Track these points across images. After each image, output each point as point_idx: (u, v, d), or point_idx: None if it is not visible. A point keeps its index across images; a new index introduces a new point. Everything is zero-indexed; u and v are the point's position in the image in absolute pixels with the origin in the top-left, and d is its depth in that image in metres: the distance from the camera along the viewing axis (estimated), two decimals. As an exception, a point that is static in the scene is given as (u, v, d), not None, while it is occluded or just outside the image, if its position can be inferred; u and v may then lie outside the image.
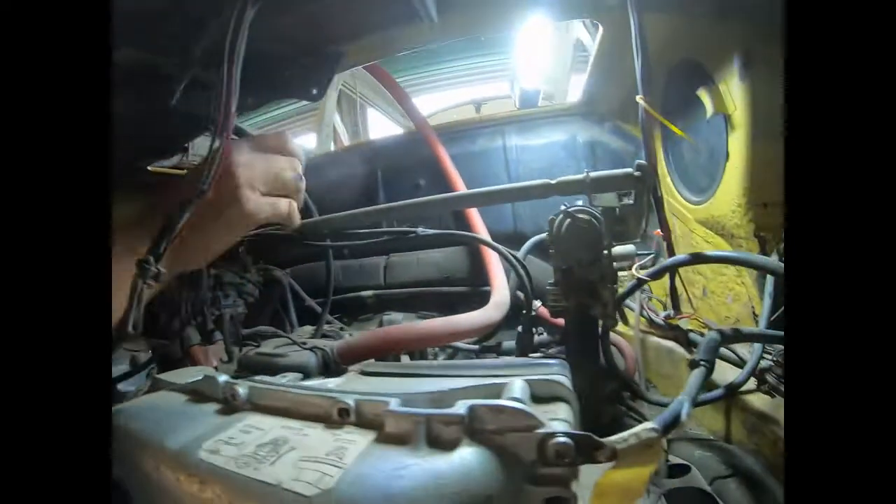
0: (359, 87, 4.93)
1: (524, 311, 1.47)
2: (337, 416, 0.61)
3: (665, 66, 1.75)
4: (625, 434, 0.52)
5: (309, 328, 1.71)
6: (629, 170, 1.09)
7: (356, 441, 0.55)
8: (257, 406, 0.71)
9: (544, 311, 1.52)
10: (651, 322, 1.64)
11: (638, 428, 0.53)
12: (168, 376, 0.94)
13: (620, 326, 1.87)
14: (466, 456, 0.50)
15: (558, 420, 0.56)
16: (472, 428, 0.52)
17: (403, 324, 1.45)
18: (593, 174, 1.11)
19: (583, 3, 1.43)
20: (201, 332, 1.71)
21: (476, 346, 1.64)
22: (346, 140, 4.85)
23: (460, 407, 0.53)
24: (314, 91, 1.31)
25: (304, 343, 1.13)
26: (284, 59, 1.28)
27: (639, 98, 1.19)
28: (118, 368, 1.43)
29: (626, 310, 1.81)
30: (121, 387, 1.34)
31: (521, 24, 1.66)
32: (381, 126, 5.30)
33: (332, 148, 3.94)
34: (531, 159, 2.06)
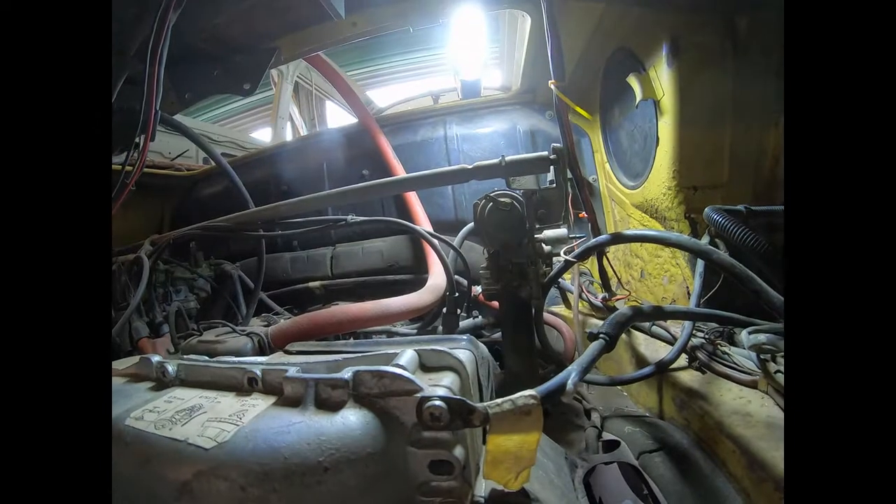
0: (315, 79, 4.93)
1: (447, 293, 1.53)
2: (247, 385, 0.67)
3: (602, 55, 1.80)
4: (499, 400, 0.57)
5: (257, 319, 1.72)
6: (544, 153, 1.14)
7: (258, 405, 0.62)
8: (184, 381, 0.78)
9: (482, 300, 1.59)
10: (591, 304, 1.70)
11: (516, 395, 0.57)
12: (114, 363, 0.99)
13: (561, 309, 1.95)
14: (349, 416, 0.55)
15: (440, 386, 0.60)
16: (358, 392, 0.58)
17: (333, 307, 1.49)
18: (509, 158, 1.17)
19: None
20: (150, 325, 1.76)
21: (414, 331, 1.69)
22: (304, 132, 4.86)
23: (345, 372, 0.58)
24: (247, 86, 1.35)
25: (243, 330, 1.17)
26: (217, 57, 1.32)
27: (551, 83, 1.25)
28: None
29: (567, 293, 1.89)
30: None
31: (445, 16, 1.70)
32: (340, 118, 5.30)
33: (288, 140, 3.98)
34: (472, 148, 2.12)
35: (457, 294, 1.51)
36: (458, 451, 0.56)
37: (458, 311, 1.52)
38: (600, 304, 1.59)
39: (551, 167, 1.13)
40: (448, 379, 0.62)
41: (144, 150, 1.01)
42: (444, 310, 1.50)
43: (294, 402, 0.60)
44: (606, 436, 1.20)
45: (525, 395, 0.57)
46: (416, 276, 1.93)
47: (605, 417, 1.27)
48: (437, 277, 1.63)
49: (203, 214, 2.19)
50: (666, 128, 1.42)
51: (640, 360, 1.34)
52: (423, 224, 1.80)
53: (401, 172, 1.95)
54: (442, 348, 0.67)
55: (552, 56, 1.23)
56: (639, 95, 1.45)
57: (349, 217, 1.52)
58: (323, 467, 0.53)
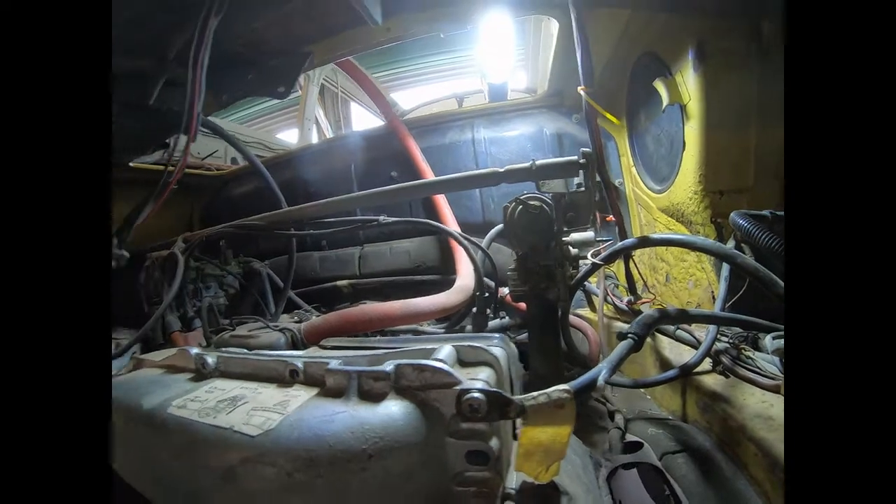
0: (340, 82, 4.99)
1: (477, 294, 1.56)
2: (288, 377, 0.72)
3: (629, 60, 1.82)
4: (534, 393, 0.59)
5: (286, 316, 1.76)
6: (574, 157, 1.16)
7: (300, 395, 0.66)
8: (224, 373, 0.82)
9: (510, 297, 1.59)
10: (616, 308, 1.71)
11: (550, 389, 0.60)
12: (148, 356, 1.03)
13: (586, 312, 1.96)
14: (391, 407, 0.59)
15: (478, 380, 0.62)
16: (399, 385, 0.61)
17: (364, 305, 1.53)
18: (539, 162, 1.19)
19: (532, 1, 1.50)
20: (182, 319, 1.81)
21: (441, 331, 1.71)
22: (329, 134, 4.92)
23: (387, 365, 0.62)
24: (281, 89, 1.40)
25: (276, 325, 1.21)
26: (253, 61, 1.36)
27: (580, 89, 1.28)
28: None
29: (592, 296, 1.90)
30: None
31: (473, 22, 1.72)
32: (365, 120, 5.36)
33: (315, 142, 4.02)
34: (500, 151, 2.13)
35: (486, 294, 1.54)
36: (494, 443, 0.59)
37: (487, 311, 1.55)
38: (625, 308, 1.61)
39: (580, 171, 1.15)
40: (484, 373, 0.65)
41: (186, 150, 1.05)
42: (474, 309, 1.53)
43: (336, 394, 0.64)
44: (629, 437, 1.21)
45: (559, 389, 0.60)
46: (442, 276, 1.97)
47: (629, 419, 1.29)
48: (465, 278, 1.67)
49: (233, 213, 2.22)
50: (692, 132, 1.43)
51: (664, 364, 1.36)
52: (451, 226, 1.83)
53: (429, 175, 1.99)
54: (478, 344, 0.70)
55: (581, 62, 1.26)
56: (665, 100, 1.47)
57: (381, 217, 1.55)
58: (367, 454, 0.57)
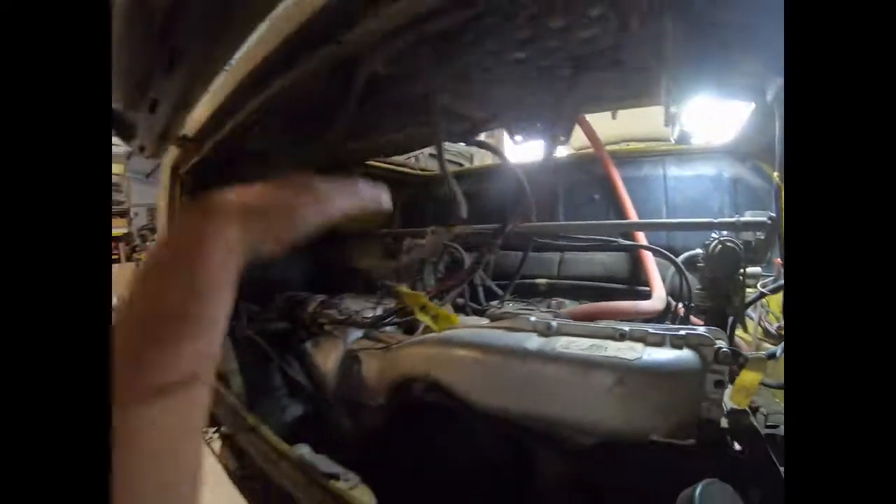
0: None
1: (676, 304, 2.02)
2: (618, 337, 1.17)
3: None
4: (748, 353, 1.07)
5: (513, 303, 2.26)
6: (764, 218, 1.63)
7: (636, 347, 1.13)
8: (563, 333, 1.24)
9: (679, 312, 2.04)
10: (766, 332, 2.06)
11: (753, 354, 1.08)
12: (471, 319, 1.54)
13: (740, 333, 2.23)
14: (688, 352, 1.08)
15: (722, 342, 1.09)
16: (687, 342, 1.10)
17: (602, 303, 2.00)
18: (743, 219, 1.68)
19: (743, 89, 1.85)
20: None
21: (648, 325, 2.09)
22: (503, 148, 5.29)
23: (681, 331, 1.11)
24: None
25: (537, 308, 1.71)
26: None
27: (775, 175, 1.62)
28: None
29: (748, 320, 2.19)
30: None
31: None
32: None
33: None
34: (684, 188, 2.44)
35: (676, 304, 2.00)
36: (726, 378, 1.05)
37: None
38: (774, 332, 1.98)
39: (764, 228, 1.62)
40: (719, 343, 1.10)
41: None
42: (671, 313, 2.00)
43: (656, 345, 1.12)
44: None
45: (759, 355, 1.08)
46: (629, 287, 2.32)
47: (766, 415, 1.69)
48: (658, 291, 2.10)
49: (435, 212, 2.90)
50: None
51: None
52: (659, 248, 2.25)
53: (628, 202, 2.37)
54: (712, 329, 1.16)
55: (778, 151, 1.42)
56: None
57: (618, 240, 2.10)
58: (679, 373, 1.06)
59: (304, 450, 1.15)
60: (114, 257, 16.38)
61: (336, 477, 1.07)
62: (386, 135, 2.08)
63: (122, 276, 15.68)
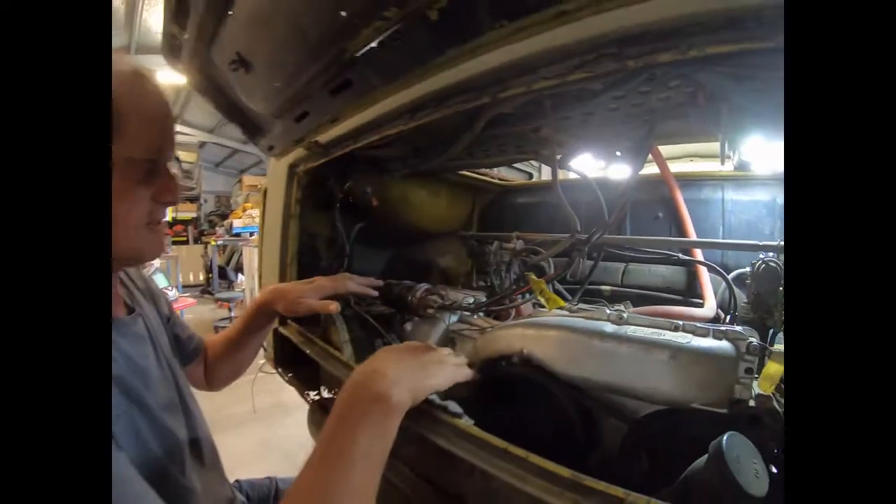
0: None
1: (724, 316, 2.28)
2: (674, 328, 1.43)
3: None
4: (772, 348, 1.29)
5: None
6: None
7: (686, 336, 1.39)
8: (631, 323, 1.50)
9: (725, 321, 2.28)
10: None
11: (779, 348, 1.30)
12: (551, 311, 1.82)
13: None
14: (723, 343, 1.34)
15: (754, 338, 1.32)
16: (726, 335, 1.36)
17: (661, 306, 2.28)
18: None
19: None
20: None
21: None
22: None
23: (723, 328, 1.38)
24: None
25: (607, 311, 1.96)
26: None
27: None
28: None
29: None
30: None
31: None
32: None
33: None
34: (740, 211, 2.60)
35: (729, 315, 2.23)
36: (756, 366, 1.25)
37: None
38: None
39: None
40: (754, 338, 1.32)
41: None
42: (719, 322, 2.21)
43: (702, 336, 1.35)
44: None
45: (781, 349, 1.26)
46: (683, 299, 2.50)
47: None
48: (710, 303, 2.34)
49: (513, 219, 3.22)
50: None
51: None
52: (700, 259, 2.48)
53: (688, 221, 2.55)
54: (742, 329, 1.36)
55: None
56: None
57: (679, 255, 2.42)
58: (718, 357, 1.26)
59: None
60: (182, 239, 17.14)
61: (460, 416, 1.30)
62: (492, 156, 2.40)
63: (190, 256, 16.36)
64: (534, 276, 2.04)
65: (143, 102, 1.08)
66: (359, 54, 1.31)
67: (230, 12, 1.49)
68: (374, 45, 1.25)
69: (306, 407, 2.44)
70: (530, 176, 4.21)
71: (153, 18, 8.51)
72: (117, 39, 9.07)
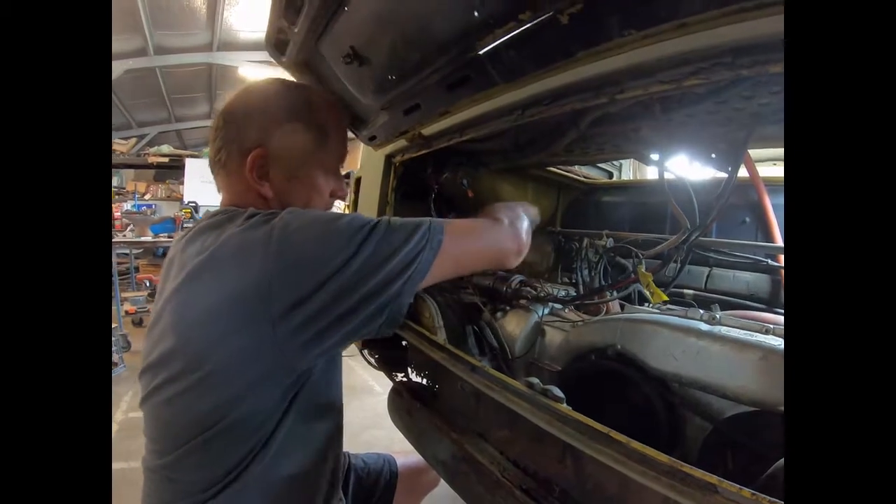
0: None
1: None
2: (764, 331, 1.49)
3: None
4: None
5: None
6: None
7: (777, 339, 1.41)
8: (723, 323, 1.51)
9: None
10: None
11: None
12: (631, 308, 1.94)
13: None
14: (775, 340, 1.39)
15: None
16: (776, 333, 1.44)
17: (749, 311, 2.26)
18: None
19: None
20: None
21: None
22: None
23: (768, 326, 1.49)
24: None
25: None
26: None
27: None
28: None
29: None
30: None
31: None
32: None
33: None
34: None
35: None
36: None
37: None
38: None
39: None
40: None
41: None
42: None
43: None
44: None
45: None
46: (767, 308, 2.48)
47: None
48: None
49: (597, 216, 3.29)
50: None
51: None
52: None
53: (776, 227, 2.58)
54: None
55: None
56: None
57: (767, 262, 2.49)
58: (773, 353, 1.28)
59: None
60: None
61: (562, 400, 1.34)
62: (591, 154, 2.49)
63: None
64: (643, 270, 2.15)
65: (340, 124, 1.64)
66: (482, 52, 1.35)
67: (345, 8, 1.53)
68: (498, 43, 1.28)
69: (373, 391, 2.55)
70: (611, 175, 4.23)
71: (234, 17, 9.10)
72: (200, 38, 9.69)
